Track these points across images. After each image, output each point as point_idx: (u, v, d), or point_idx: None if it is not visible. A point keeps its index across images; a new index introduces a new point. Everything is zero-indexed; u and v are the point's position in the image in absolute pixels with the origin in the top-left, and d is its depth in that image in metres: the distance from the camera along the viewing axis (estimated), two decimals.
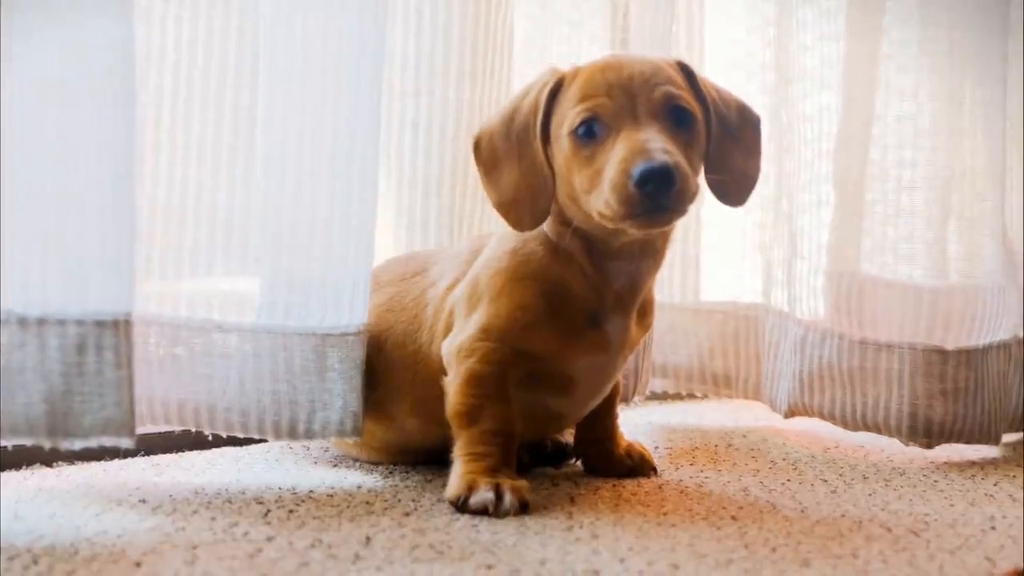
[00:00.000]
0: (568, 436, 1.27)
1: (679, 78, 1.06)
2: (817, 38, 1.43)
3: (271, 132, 1.11)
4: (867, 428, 1.39)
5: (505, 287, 1.08)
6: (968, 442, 1.37)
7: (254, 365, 1.12)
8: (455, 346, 1.08)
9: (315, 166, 1.11)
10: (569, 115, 1.03)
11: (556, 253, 1.08)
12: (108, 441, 0.96)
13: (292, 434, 1.12)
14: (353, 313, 1.13)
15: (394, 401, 1.15)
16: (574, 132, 1.02)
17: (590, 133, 1.02)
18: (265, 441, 1.26)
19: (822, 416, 1.41)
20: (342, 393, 1.12)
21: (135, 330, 1.10)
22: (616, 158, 0.98)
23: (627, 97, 1.01)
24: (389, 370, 1.15)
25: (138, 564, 0.84)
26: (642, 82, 1.02)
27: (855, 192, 1.43)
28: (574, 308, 1.08)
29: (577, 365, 1.09)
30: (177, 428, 1.14)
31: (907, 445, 1.38)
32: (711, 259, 1.62)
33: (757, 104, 1.52)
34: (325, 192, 1.12)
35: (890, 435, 1.37)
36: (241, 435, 1.14)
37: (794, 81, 1.45)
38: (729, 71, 1.57)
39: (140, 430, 1.23)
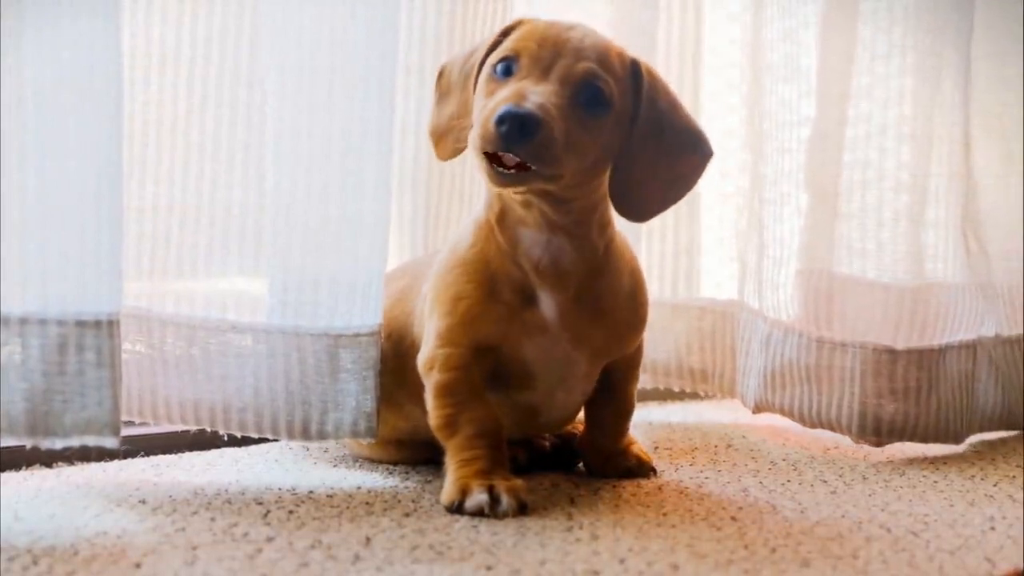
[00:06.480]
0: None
1: (618, 68, 1.05)
2: (792, 42, 1.42)
3: (281, 129, 1.11)
4: (822, 425, 1.39)
5: (443, 280, 1.09)
6: (923, 441, 1.37)
7: (268, 365, 1.12)
8: (422, 360, 1.10)
9: (327, 164, 1.11)
10: (497, 51, 1.05)
11: (480, 230, 1.09)
12: (91, 441, 0.96)
13: (305, 435, 1.13)
14: (366, 313, 1.13)
15: (398, 387, 1.16)
16: (493, 66, 1.04)
17: (506, 71, 1.03)
18: (266, 441, 1.26)
19: (783, 412, 1.42)
20: (355, 394, 1.12)
21: (154, 330, 1.11)
22: (497, 96, 1.00)
23: (552, 54, 1.02)
24: (393, 358, 1.16)
25: (138, 564, 0.85)
26: (573, 48, 1.03)
27: (829, 191, 1.42)
28: (503, 284, 1.08)
29: (525, 350, 1.08)
30: (193, 427, 1.15)
31: (857, 443, 1.38)
32: (699, 257, 1.60)
33: (745, 103, 1.54)
34: (337, 190, 1.11)
35: (842, 433, 1.38)
36: (256, 435, 1.14)
37: (767, 81, 1.44)
38: (724, 69, 1.57)
39: (143, 430, 1.24)
